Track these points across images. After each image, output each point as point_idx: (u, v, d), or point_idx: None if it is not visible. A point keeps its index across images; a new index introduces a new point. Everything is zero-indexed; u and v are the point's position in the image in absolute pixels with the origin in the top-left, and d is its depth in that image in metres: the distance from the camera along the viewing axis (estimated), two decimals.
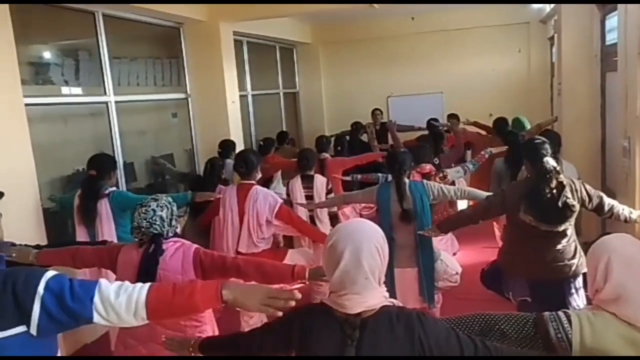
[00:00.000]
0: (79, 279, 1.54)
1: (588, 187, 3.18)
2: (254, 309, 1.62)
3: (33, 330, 1.43)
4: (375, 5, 5.61)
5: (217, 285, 1.61)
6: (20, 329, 1.43)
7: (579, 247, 3.20)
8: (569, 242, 3.17)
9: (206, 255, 2.47)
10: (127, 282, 1.59)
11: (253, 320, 3.87)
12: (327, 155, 5.34)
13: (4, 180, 3.06)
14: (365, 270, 1.50)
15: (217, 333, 2.63)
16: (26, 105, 3.64)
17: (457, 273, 3.66)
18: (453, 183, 4.50)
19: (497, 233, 5.14)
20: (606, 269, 1.65)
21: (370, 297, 1.51)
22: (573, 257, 3.17)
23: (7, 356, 1.44)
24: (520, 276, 3.35)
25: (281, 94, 8.87)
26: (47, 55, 4.80)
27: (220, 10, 5.85)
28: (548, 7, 7.43)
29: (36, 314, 1.43)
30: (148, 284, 1.60)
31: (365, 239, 1.54)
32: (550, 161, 3.19)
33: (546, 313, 1.72)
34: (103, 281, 1.55)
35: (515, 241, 3.37)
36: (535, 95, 8.31)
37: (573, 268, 3.16)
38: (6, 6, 3.38)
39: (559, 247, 3.14)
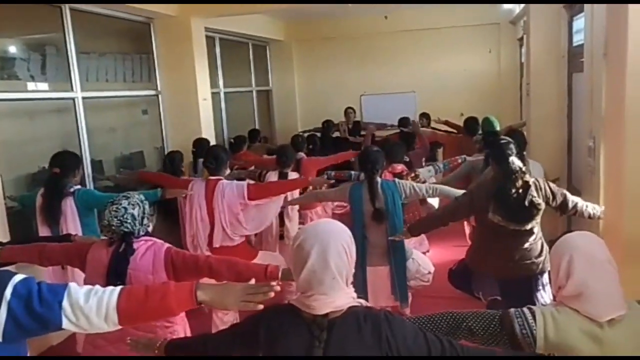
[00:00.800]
0: (48, 283, 1.49)
1: (552, 185, 3.25)
2: (233, 307, 1.60)
3: None
4: (349, 4, 5.61)
5: (191, 287, 1.58)
6: None
7: (545, 244, 3.27)
8: (536, 240, 3.24)
9: (177, 254, 2.42)
10: (97, 286, 1.54)
11: (227, 318, 3.83)
12: (302, 154, 5.33)
13: None
14: (332, 270, 1.50)
15: (188, 333, 2.60)
16: None
17: (429, 272, 3.70)
18: (424, 182, 4.54)
19: (467, 231, 5.21)
20: (568, 267, 1.69)
21: (338, 297, 1.51)
22: (540, 254, 3.24)
23: None
24: (489, 275, 3.42)
25: (254, 91, 8.81)
26: (12, 49, 4.67)
27: (191, 6, 5.76)
28: (518, 8, 7.55)
29: (2, 320, 1.37)
30: (119, 288, 1.56)
31: (332, 238, 1.54)
32: (515, 161, 3.25)
33: (512, 310, 1.75)
34: (72, 285, 1.50)
35: (485, 240, 3.42)
36: (506, 95, 8.45)
37: (540, 265, 3.23)
38: None
39: (527, 245, 3.21)
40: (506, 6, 7.94)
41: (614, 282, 1.67)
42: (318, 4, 5.91)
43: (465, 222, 5.23)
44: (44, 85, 4.83)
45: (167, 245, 2.45)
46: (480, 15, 8.41)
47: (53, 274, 3.39)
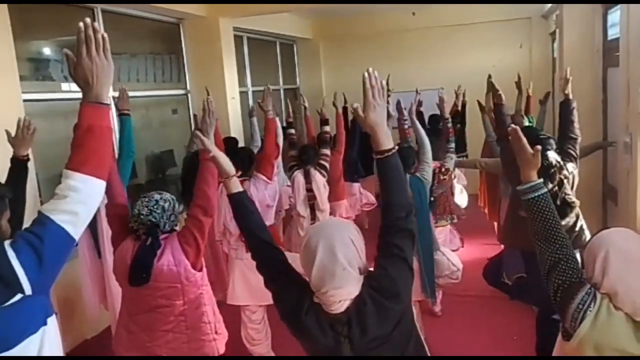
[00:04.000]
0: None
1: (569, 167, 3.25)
2: None
3: (28, 291, 1.46)
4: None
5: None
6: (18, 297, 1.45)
7: (582, 222, 3.20)
8: (571, 216, 3.18)
9: (184, 234, 2.49)
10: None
11: (255, 316, 3.87)
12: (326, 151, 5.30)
13: (4, 177, 3.04)
14: (341, 261, 1.50)
15: (218, 313, 2.69)
16: (25, 101, 3.63)
17: (458, 269, 3.65)
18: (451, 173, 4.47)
19: (497, 232, 5.13)
20: (604, 263, 1.64)
21: (353, 288, 1.52)
22: (572, 229, 3.17)
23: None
24: (517, 250, 3.37)
25: (281, 90, 8.84)
26: (47, 51, 4.79)
27: (220, 6, 5.83)
28: (550, 3, 7.39)
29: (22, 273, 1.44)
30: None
31: (336, 231, 1.55)
32: (553, 156, 3.18)
33: (587, 285, 1.68)
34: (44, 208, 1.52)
35: (513, 214, 3.39)
36: (537, 91, 8.24)
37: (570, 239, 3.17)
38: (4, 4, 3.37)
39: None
40: None
41: None
42: (345, 4, 5.89)
43: (495, 223, 5.16)
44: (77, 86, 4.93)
45: (174, 233, 2.52)
46: (510, 10, 8.26)
47: (90, 265, 3.49)
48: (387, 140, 1.62)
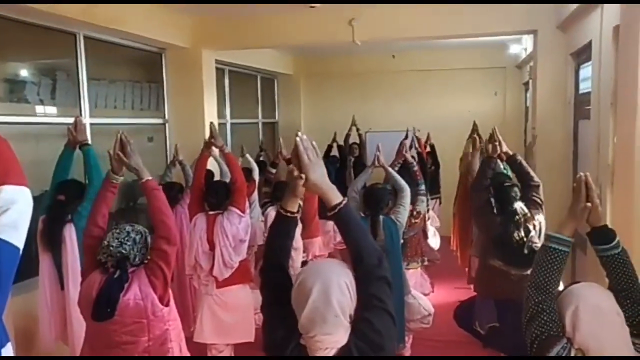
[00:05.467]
0: None
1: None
2: None
3: None
4: (357, 41, 5.70)
5: None
6: None
7: None
8: None
9: (150, 267, 2.45)
10: None
11: (223, 355, 3.77)
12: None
13: None
14: (335, 307, 1.47)
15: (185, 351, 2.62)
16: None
17: (429, 314, 3.63)
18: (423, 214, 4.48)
19: (467, 276, 5.16)
20: (574, 318, 1.65)
21: (341, 335, 1.49)
22: None
23: None
24: (488, 297, 3.38)
25: (260, 123, 8.87)
26: (23, 73, 4.72)
27: (204, 38, 5.88)
28: (524, 53, 7.66)
29: None
30: None
31: (334, 275, 1.52)
32: (519, 204, 3.25)
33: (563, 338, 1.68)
34: None
35: (484, 266, 3.43)
36: (510, 139, 8.37)
37: None
38: None
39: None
40: (513, 51, 8.06)
41: (622, 334, 1.63)
42: (326, 39, 6.02)
43: (466, 269, 5.20)
44: (52, 110, 4.86)
45: (142, 266, 2.47)
46: (487, 58, 8.54)
47: (49, 297, 3.36)
48: (333, 194, 1.62)
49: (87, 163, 3.52)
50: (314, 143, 1.62)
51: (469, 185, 4.72)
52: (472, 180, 3.86)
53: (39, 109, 4.72)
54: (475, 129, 6.15)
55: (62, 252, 3.31)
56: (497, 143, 3.64)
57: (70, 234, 3.33)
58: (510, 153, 3.67)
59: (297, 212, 1.68)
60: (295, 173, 1.58)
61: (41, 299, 3.38)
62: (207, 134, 4.53)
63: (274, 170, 5.45)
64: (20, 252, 1.54)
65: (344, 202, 1.61)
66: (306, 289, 1.50)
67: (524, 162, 3.60)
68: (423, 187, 4.25)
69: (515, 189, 3.45)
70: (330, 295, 1.48)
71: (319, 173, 1.59)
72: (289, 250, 1.73)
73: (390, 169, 4.02)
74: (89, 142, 3.65)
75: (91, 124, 4.86)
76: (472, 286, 4.26)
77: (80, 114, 4.77)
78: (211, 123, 4.45)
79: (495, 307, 3.34)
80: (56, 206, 3.41)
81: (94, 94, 5.09)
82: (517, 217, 3.27)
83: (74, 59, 4.78)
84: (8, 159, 1.57)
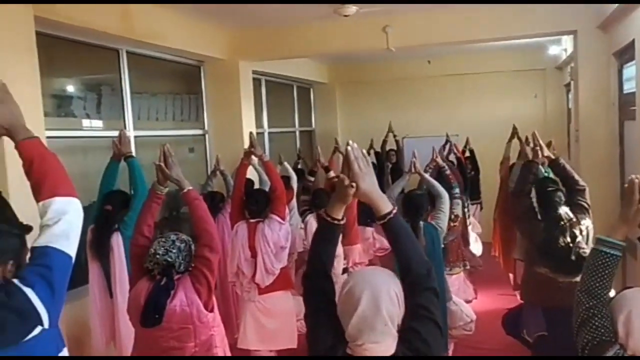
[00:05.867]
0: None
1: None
2: None
3: (46, 323, 1.52)
4: (392, 48, 5.69)
5: None
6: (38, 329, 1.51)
7: None
8: None
9: (195, 274, 2.51)
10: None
11: None
12: None
13: (24, 213, 3.07)
14: (384, 316, 1.47)
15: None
16: (48, 137, 3.70)
17: (471, 321, 3.58)
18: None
19: (512, 282, 5.05)
20: (627, 324, 1.60)
21: (390, 344, 1.48)
22: None
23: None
24: (536, 305, 3.30)
25: (297, 132, 8.95)
26: (70, 88, 4.91)
27: (240, 50, 5.99)
28: (564, 54, 7.49)
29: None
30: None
31: (384, 283, 1.52)
32: (564, 210, 3.17)
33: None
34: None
35: (530, 272, 3.35)
36: (553, 141, 8.26)
37: None
38: (33, 40, 3.48)
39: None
40: (552, 52, 7.89)
41: None
42: (361, 47, 6.03)
43: (511, 275, 5.09)
44: (98, 123, 5.04)
45: (186, 274, 2.53)
46: (525, 60, 8.38)
47: (99, 304, 3.47)
48: (383, 203, 1.62)
49: (132, 174, 3.62)
50: (364, 151, 1.63)
51: (509, 191, 4.64)
52: (514, 186, 3.79)
53: (85, 122, 4.90)
54: (515, 132, 6.03)
55: (110, 261, 3.41)
56: (537, 147, 3.57)
57: (117, 242, 3.44)
58: (553, 157, 3.59)
59: (342, 219, 1.68)
60: (346, 182, 1.59)
61: (91, 307, 3.50)
62: (246, 144, 4.63)
63: (312, 178, 5.48)
64: (73, 260, 1.63)
65: (394, 211, 1.61)
66: (354, 297, 1.49)
67: (567, 166, 3.51)
68: (457, 190, 4.22)
69: (560, 193, 3.36)
70: (380, 304, 1.47)
71: (369, 182, 1.59)
72: (333, 257, 1.73)
73: (426, 175, 4.00)
74: (133, 153, 3.76)
75: (135, 136, 5.01)
76: (517, 293, 4.17)
77: (125, 127, 4.93)
78: (250, 132, 4.53)
79: (543, 315, 3.25)
80: (104, 216, 3.52)
81: (136, 107, 5.25)
82: (562, 222, 3.19)
83: (118, 74, 4.95)
84: (57, 171, 1.66)
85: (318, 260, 1.70)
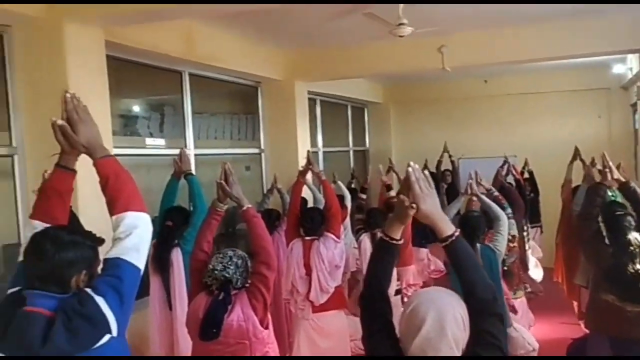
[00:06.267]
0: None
1: None
2: None
3: (115, 331, 1.59)
4: (447, 68, 5.64)
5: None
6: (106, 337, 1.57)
7: None
8: None
9: (252, 291, 2.54)
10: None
11: None
12: None
13: (94, 227, 3.20)
14: (449, 339, 1.42)
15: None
16: (115, 155, 3.87)
17: (534, 349, 3.44)
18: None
19: (576, 309, 4.82)
20: None
21: None
22: None
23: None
24: (602, 335, 3.14)
25: (351, 151, 8.97)
26: (136, 108, 5.15)
27: (296, 71, 6.11)
28: (630, 73, 7.19)
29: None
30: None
31: (449, 305, 1.48)
32: (634, 236, 3.02)
33: None
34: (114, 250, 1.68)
35: (596, 300, 3.19)
36: (619, 163, 7.91)
37: None
38: (104, 63, 3.66)
39: None
40: (617, 71, 7.60)
41: None
42: (416, 66, 6.02)
43: (574, 302, 4.87)
44: (160, 142, 5.24)
45: (243, 289, 2.57)
46: (587, 79, 8.10)
47: (159, 317, 3.56)
48: (446, 225, 1.59)
49: (192, 191, 3.73)
50: (425, 173, 1.62)
51: (573, 214, 4.46)
52: (580, 209, 3.64)
53: (149, 141, 5.11)
54: (577, 154, 5.82)
55: (170, 275, 3.51)
56: (607, 170, 3.42)
57: (177, 257, 3.54)
58: (623, 180, 3.43)
59: (400, 239, 1.67)
60: (406, 202, 1.58)
61: (151, 319, 3.61)
62: (302, 162, 4.70)
63: (364, 196, 5.45)
64: (142, 272, 1.69)
65: (456, 233, 1.58)
66: (419, 317, 1.45)
67: (638, 190, 3.35)
68: (510, 210, 4.10)
69: (629, 218, 3.20)
70: (446, 326, 1.43)
71: (430, 203, 1.58)
72: (390, 277, 1.72)
73: (484, 197, 3.91)
74: (193, 171, 3.87)
75: (195, 155, 5.18)
76: (581, 322, 3.98)
77: (185, 146, 5.10)
78: (308, 151, 4.58)
79: (610, 346, 3.08)
80: (164, 232, 3.64)
81: (197, 126, 5.43)
82: (631, 247, 3.03)
83: (180, 95, 5.15)
84: (130, 188, 1.75)
85: (375, 280, 1.69)
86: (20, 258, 1.73)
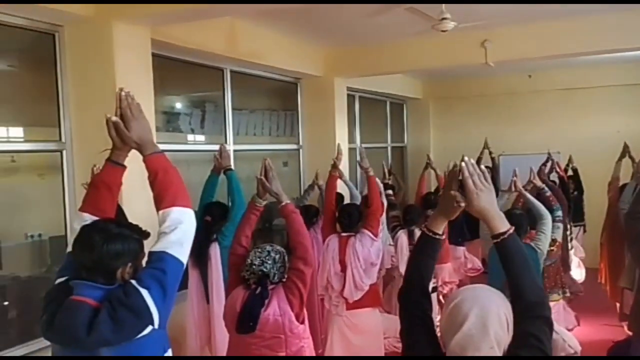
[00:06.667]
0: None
1: None
2: None
3: (157, 323, 1.64)
4: (490, 63, 5.53)
5: None
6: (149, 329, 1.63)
7: None
8: None
9: (289, 286, 2.56)
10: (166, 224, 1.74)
11: None
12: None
13: (138, 221, 3.30)
14: (491, 338, 1.39)
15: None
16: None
17: (576, 352, 3.36)
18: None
19: (619, 311, 4.68)
20: None
21: None
22: None
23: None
24: None
25: (389, 147, 8.93)
26: (178, 106, 5.27)
27: (336, 67, 6.12)
28: None
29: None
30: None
31: (493, 303, 1.45)
32: None
33: None
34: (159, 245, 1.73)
35: None
36: None
37: None
38: (149, 61, 3.76)
39: None
40: None
41: None
42: (457, 62, 5.93)
43: (617, 303, 4.73)
44: (201, 138, 5.36)
45: (280, 284, 2.60)
46: (636, 74, 7.79)
47: (197, 310, 3.65)
48: (499, 222, 1.55)
49: (230, 186, 3.80)
50: (482, 168, 1.58)
51: (620, 212, 4.32)
52: (629, 207, 3.51)
53: (190, 137, 5.24)
54: (626, 150, 5.62)
55: (208, 269, 3.59)
56: None
57: (215, 252, 3.62)
58: None
59: (443, 234, 1.65)
60: (458, 198, 1.56)
61: (189, 311, 3.70)
62: (338, 156, 4.67)
63: (390, 192, 5.39)
64: (184, 266, 1.76)
65: (510, 231, 1.54)
66: (461, 313, 1.43)
67: None
68: (560, 213, 4.00)
69: None
70: (488, 324, 1.40)
71: (484, 199, 1.54)
72: (432, 272, 1.70)
73: (528, 195, 3.84)
74: (232, 167, 3.94)
75: (234, 150, 5.27)
76: (624, 324, 3.87)
77: (225, 142, 5.19)
78: (339, 144, 4.55)
79: None
80: (203, 226, 3.71)
81: (236, 122, 5.52)
82: None
83: (221, 92, 5.25)
84: (177, 184, 1.80)
85: (417, 275, 1.66)
86: (69, 249, 1.80)
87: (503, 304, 1.47)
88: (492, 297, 1.49)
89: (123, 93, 1.78)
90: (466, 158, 1.58)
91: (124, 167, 1.90)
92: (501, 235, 1.53)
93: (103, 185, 1.90)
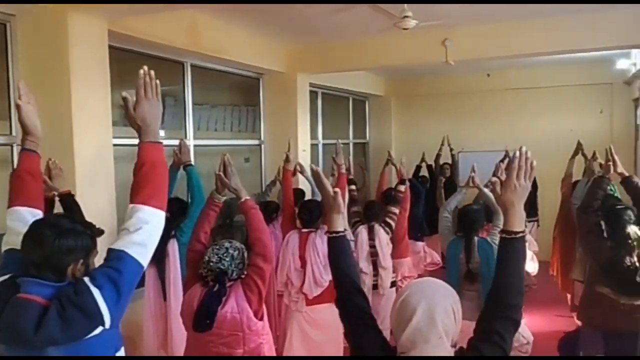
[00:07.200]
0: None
1: None
2: None
3: (108, 324, 1.58)
4: (451, 61, 5.63)
5: None
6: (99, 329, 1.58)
7: None
8: None
9: (247, 282, 2.55)
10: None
11: None
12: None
13: (90, 211, 3.22)
14: (439, 329, 1.43)
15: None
16: (115, 145, 3.90)
17: (528, 343, 3.47)
18: None
19: (569, 303, 4.86)
20: None
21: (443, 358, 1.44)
22: None
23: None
24: (594, 327, 3.18)
25: (351, 144, 8.98)
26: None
27: (299, 63, 6.12)
28: (634, 68, 7.16)
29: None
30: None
31: (440, 296, 1.49)
32: (634, 230, 3.05)
33: None
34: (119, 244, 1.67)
35: (590, 292, 3.23)
36: (619, 158, 7.89)
37: None
38: (106, 53, 3.67)
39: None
40: (620, 66, 7.55)
41: None
42: (418, 60, 6.01)
43: (568, 295, 4.91)
44: (160, 133, 5.24)
45: (239, 281, 2.57)
46: (590, 74, 8.07)
47: (154, 307, 3.59)
48: (519, 222, 1.58)
49: (190, 182, 3.74)
50: (533, 164, 1.61)
51: (572, 208, 4.48)
52: (581, 201, 3.66)
53: None
54: (579, 148, 5.82)
55: (166, 266, 3.54)
56: (610, 163, 3.44)
57: (173, 249, 3.57)
58: (626, 174, 3.45)
59: (344, 230, 1.75)
60: (336, 196, 1.68)
61: (146, 309, 3.64)
62: (300, 154, 4.69)
63: (353, 187, 5.44)
64: (144, 269, 1.70)
65: (522, 234, 1.58)
66: (410, 308, 1.46)
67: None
68: None
69: (629, 212, 3.23)
70: (436, 316, 1.44)
71: (518, 194, 1.60)
72: (356, 266, 1.77)
73: (485, 190, 3.92)
74: (192, 162, 3.89)
75: (194, 146, 5.20)
76: (574, 315, 4.02)
77: (185, 137, 5.12)
78: (289, 139, 4.53)
79: (602, 338, 3.12)
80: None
81: (197, 117, 5.45)
82: (629, 241, 3.06)
83: (181, 86, 5.17)
84: (159, 183, 1.74)
85: (344, 277, 1.70)
86: (4, 247, 1.76)
87: (449, 295, 1.52)
88: (439, 290, 1.52)
89: (142, 71, 1.72)
90: (524, 148, 1.60)
91: (38, 154, 1.88)
92: (513, 234, 1.57)
93: (27, 174, 1.84)
